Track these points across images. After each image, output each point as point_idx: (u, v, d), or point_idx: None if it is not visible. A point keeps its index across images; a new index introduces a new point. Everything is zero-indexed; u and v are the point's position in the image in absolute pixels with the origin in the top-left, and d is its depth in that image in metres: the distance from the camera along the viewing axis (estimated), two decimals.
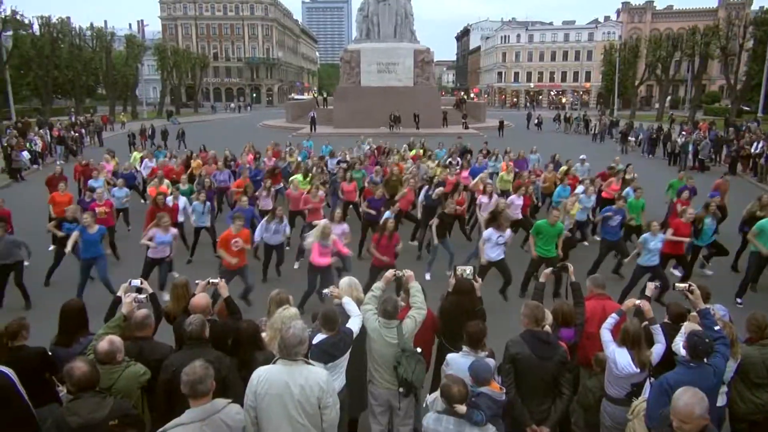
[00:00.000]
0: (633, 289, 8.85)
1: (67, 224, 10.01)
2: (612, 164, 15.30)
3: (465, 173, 15.02)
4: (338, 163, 16.80)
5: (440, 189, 11.89)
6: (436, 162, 16.44)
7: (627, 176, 13.83)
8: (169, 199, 11.67)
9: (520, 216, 11.91)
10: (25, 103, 55.48)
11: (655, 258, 8.99)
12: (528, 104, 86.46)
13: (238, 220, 9.09)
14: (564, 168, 15.13)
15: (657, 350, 4.69)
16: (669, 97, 64.17)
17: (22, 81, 50.87)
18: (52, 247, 11.96)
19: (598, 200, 13.00)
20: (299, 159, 16.95)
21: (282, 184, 14.71)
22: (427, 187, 12.52)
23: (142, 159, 18.04)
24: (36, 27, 47.27)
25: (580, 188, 12.40)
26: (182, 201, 11.91)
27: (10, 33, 43.36)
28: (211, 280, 5.48)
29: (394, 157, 17.72)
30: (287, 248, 11.41)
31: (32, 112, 50.72)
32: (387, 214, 10.62)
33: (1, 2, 39.72)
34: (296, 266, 11.09)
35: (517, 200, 11.96)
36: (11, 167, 22.29)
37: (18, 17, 43.26)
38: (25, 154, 23.76)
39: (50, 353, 4.68)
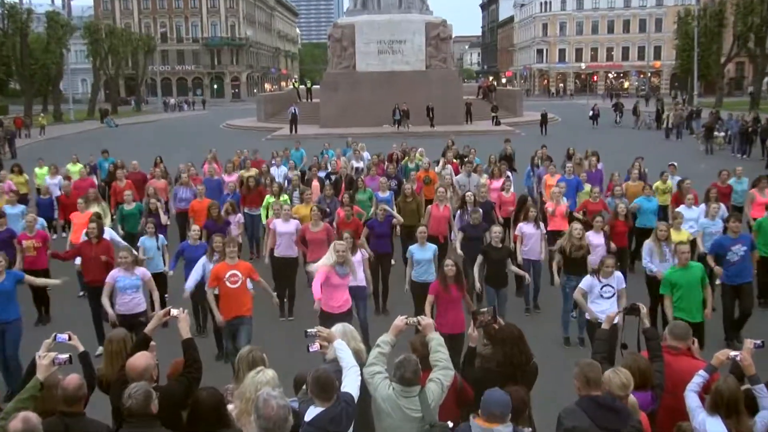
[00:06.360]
0: None
1: None
2: (725, 173, 14.15)
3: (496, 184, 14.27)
4: (327, 176, 16.25)
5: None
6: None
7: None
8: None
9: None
10: None
11: None
12: (599, 92, 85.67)
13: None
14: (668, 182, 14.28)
15: (762, 419, 4.60)
16: (766, 79, 64.21)
17: None
18: None
19: None
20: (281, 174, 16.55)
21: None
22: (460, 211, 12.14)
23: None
24: None
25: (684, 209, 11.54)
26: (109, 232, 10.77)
27: None
28: (172, 311, 5.42)
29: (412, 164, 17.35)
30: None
31: None
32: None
33: None
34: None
35: (595, 238, 10.24)
36: None
37: None
38: None
39: None
